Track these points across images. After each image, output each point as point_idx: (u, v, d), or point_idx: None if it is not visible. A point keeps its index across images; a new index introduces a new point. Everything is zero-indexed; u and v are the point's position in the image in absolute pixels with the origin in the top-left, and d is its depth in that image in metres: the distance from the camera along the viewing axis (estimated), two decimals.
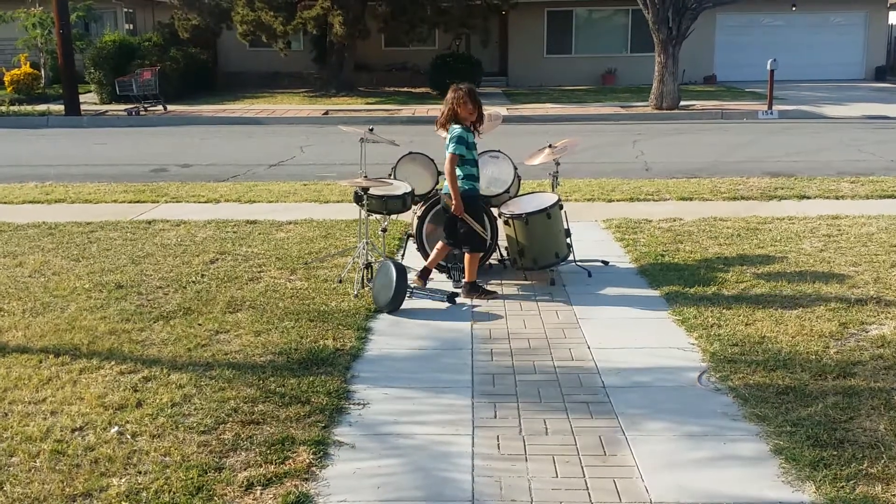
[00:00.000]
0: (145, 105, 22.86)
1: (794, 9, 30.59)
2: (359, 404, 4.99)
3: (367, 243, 7.28)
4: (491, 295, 6.93)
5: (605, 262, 7.90)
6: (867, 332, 5.97)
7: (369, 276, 7.18)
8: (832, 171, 12.98)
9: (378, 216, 7.73)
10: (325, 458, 4.33)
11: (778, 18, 31.07)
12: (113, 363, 5.51)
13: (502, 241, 7.62)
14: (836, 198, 10.76)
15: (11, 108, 22.89)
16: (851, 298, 6.66)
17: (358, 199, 7.33)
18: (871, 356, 5.51)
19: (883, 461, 4.18)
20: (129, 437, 4.53)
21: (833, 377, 5.20)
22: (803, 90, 26.95)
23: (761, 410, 4.77)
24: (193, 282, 7.32)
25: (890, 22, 32.61)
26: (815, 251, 8.09)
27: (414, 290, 6.91)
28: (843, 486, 3.98)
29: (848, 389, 5.01)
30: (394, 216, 8.07)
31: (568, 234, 7.47)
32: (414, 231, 7.58)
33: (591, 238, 8.80)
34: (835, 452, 4.28)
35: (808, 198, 10.78)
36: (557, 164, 7.81)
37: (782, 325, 6.08)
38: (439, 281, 7.36)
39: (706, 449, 4.43)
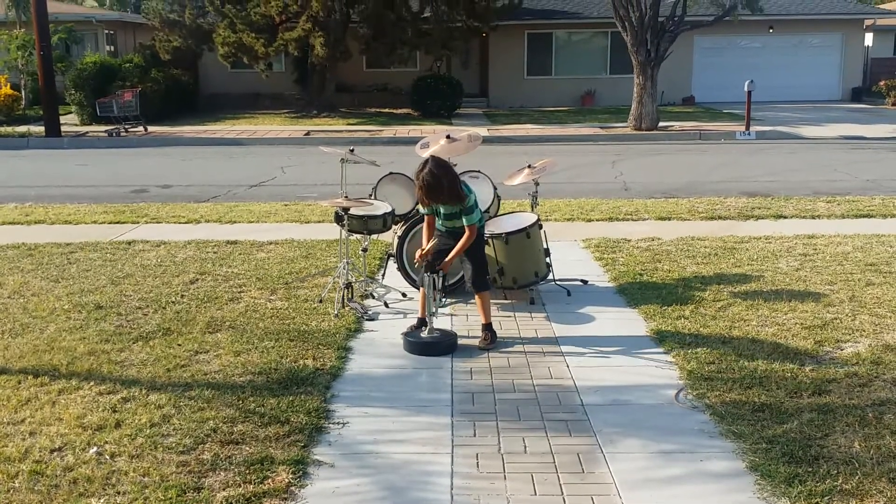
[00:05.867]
0: (126, 126, 22.81)
1: (771, 31, 30.97)
2: (338, 423, 5.00)
3: (347, 263, 7.31)
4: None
5: (585, 282, 7.95)
6: (842, 350, 6.04)
7: (349, 295, 7.21)
8: (809, 191, 13.13)
9: (359, 236, 7.77)
10: (304, 478, 4.34)
11: (755, 40, 31.42)
12: (92, 384, 5.49)
13: None
14: (813, 217, 10.88)
15: None
16: (827, 317, 6.74)
17: (338, 219, 7.37)
18: (845, 374, 5.58)
19: (857, 477, 4.23)
20: (107, 457, 4.52)
21: (808, 394, 5.26)
22: (781, 111, 27.24)
23: (737, 427, 4.81)
24: (173, 302, 7.31)
25: (866, 43, 33.07)
26: (792, 270, 8.18)
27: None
28: (818, 503, 4.02)
29: (823, 407, 5.06)
30: (374, 236, 8.11)
31: (547, 253, 7.53)
32: (395, 251, 7.61)
33: (570, 257, 8.86)
34: (810, 469, 4.32)
35: (785, 217, 10.90)
36: (537, 184, 7.88)
37: (758, 344, 6.15)
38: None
39: (683, 466, 4.47)
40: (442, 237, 6.50)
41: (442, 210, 6.39)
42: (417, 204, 7.98)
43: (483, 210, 7.52)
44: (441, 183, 6.12)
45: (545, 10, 30.70)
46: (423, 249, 6.45)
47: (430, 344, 6.20)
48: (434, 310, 6.34)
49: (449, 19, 25.76)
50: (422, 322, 6.46)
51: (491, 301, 6.69)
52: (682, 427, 4.92)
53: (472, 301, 7.24)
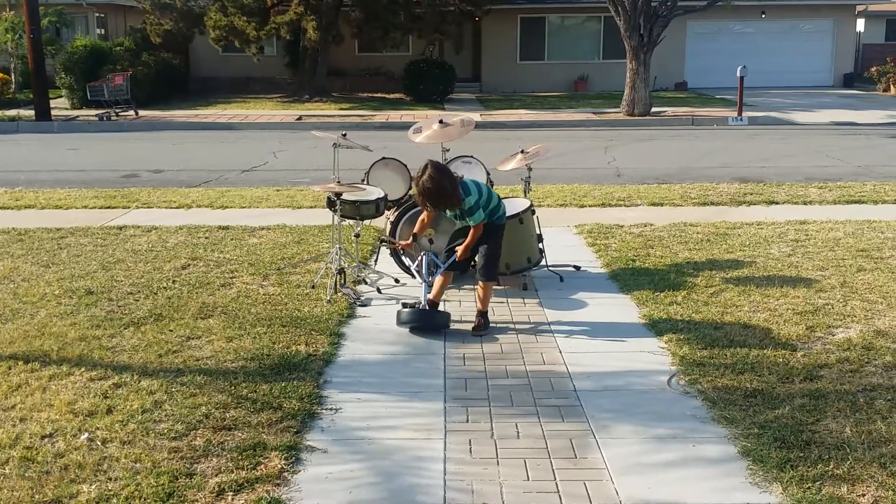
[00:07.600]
0: (117, 110, 22.67)
1: (763, 16, 30.93)
2: (331, 409, 4.99)
3: (340, 249, 7.29)
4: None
5: (577, 267, 7.95)
6: (833, 336, 6.06)
7: (342, 281, 7.19)
8: (801, 177, 13.14)
9: (351, 221, 7.75)
10: (296, 464, 4.33)
11: (748, 26, 31.39)
12: (83, 369, 5.47)
13: None
14: (804, 203, 10.89)
15: None
16: (818, 302, 6.76)
17: (331, 204, 7.34)
18: (837, 359, 5.59)
19: (849, 462, 4.25)
20: (99, 443, 4.50)
21: (800, 380, 5.27)
22: (773, 97, 27.25)
23: (729, 413, 4.83)
24: (164, 288, 7.29)
25: (858, 29, 33.05)
26: (783, 256, 8.19)
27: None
28: (809, 487, 4.04)
29: (814, 392, 5.08)
30: (367, 221, 8.08)
31: (540, 239, 7.53)
32: (387, 236, 7.59)
33: (563, 243, 8.86)
34: (801, 454, 4.34)
35: (777, 203, 10.91)
36: (530, 169, 7.87)
37: (750, 329, 6.16)
38: (413, 286, 7.37)
39: (676, 451, 4.48)
40: (457, 233, 6.69)
41: (447, 212, 6.40)
42: (410, 189, 7.97)
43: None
44: (444, 187, 6.07)
45: None
46: (401, 242, 6.81)
47: (424, 312, 6.25)
48: (427, 278, 6.46)
49: (441, 3, 25.65)
50: (433, 304, 6.42)
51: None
52: (675, 412, 4.93)
53: (466, 286, 7.24)
